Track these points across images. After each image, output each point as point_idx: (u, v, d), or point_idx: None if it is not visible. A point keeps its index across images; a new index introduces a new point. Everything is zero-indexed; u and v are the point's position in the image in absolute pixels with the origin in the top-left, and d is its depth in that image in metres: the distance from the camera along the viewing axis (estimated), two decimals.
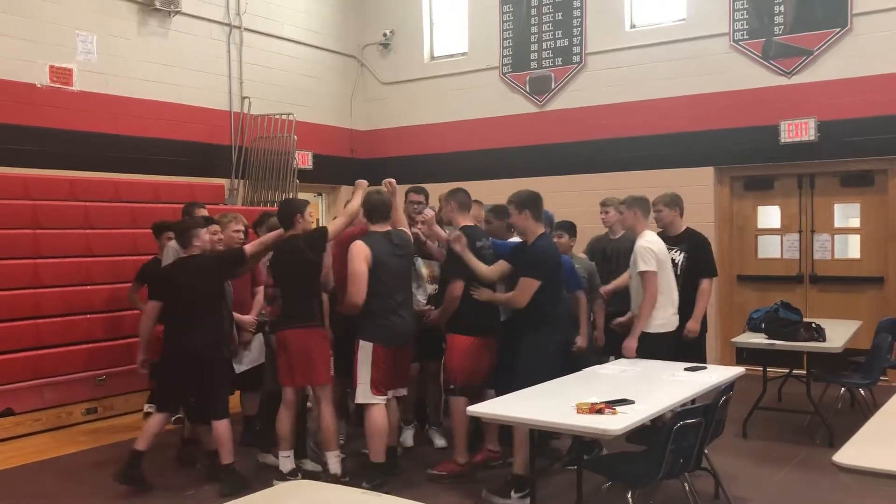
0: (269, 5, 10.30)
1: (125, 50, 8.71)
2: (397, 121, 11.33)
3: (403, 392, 5.34)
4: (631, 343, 5.19)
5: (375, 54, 11.55)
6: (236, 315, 5.50)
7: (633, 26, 9.66)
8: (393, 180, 5.35)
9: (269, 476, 5.00)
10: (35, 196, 7.41)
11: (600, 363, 5.39)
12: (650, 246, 5.21)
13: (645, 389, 4.24)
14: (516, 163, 10.03)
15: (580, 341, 5.57)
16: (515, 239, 5.43)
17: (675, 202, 5.95)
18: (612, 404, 3.75)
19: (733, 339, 6.55)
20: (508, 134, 10.31)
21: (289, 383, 5.07)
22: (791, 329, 6.02)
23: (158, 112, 8.97)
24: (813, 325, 6.03)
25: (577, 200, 8.60)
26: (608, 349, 5.87)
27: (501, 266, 5.15)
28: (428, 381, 6.05)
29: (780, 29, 8.60)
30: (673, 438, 3.73)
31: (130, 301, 6.82)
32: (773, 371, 6.61)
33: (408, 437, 5.97)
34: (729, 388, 4.26)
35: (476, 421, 5.03)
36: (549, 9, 10.08)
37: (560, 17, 9.99)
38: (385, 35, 11.35)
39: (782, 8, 8.57)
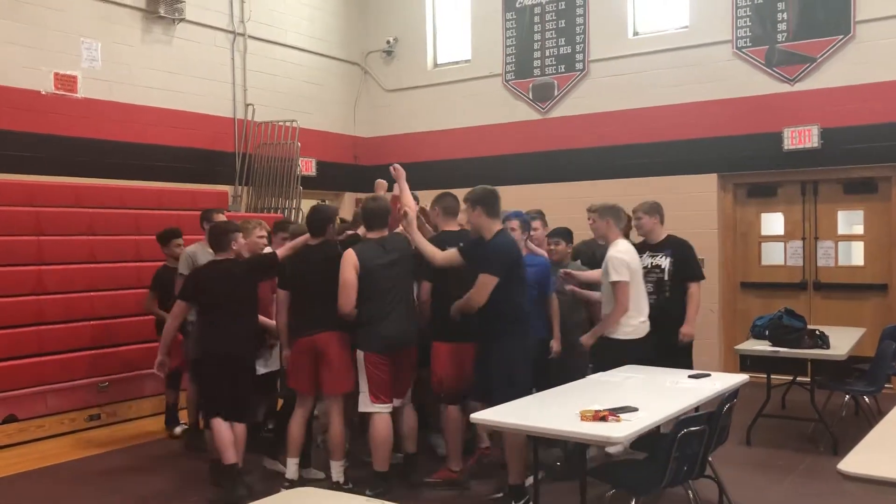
0: (273, 13, 10.33)
1: (129, 57, 8.74)
2: (401, 128, 11.35)
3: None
4: (587, 340, 5.36)
5: (379, 61, 11.57)
6: (263, 319, 5.46)
7: (636, 34, 9.67)
8: (398, 165, 5.41)
9: (275, 483, 4.98)
10: (39, 203, 7.43)
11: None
12: (623, 256, 5.20)
13: (648, 397, 4.23)
14: (519, 170, 10.04)
15: (554, 345, 5.54)
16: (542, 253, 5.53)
17: (654, 209, 5.98)
18: (616, 412, 3.75)
19: (737, 347, 6.52)
20: (511, 141, 10.32)
21: (307, 390, 5.05)
22: (795, 336, 6.01)
23: (162, 119, 8.99)
24: (817, 332, 6.02)
25: (579, 208, 8.50)
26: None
27: (453, 254, 4.96)
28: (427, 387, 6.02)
29: (783, 36, 8.60)
30: (677, 446, 3.72)
31: (147, 310, 6.64)
32: (776, 378, 6.57)
33: None
34: (733, 395, 4.24)
35: (472, 428, 5.01)
36: (552, 16, 10.10)
37: (563, 25, 10.01)
38: (388, 42, 11.38)
39: (785, 15, 8.58)
